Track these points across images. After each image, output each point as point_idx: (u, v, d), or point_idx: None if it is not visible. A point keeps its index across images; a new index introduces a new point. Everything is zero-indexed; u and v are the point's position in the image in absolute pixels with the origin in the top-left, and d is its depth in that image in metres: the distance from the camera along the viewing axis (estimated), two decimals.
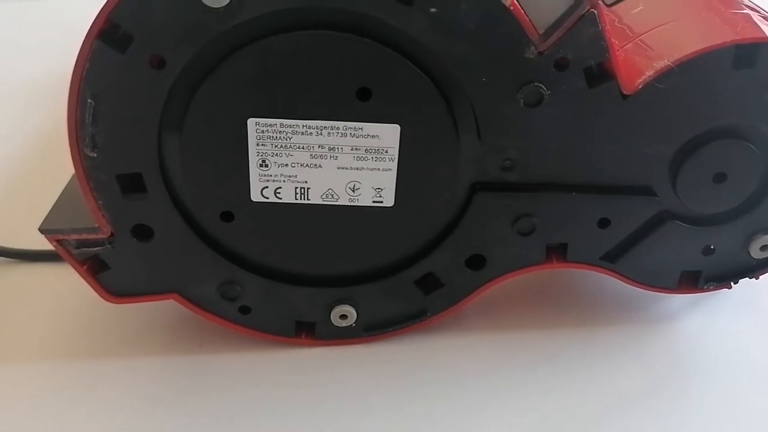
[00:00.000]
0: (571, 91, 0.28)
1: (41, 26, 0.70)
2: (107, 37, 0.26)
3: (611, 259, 0.33)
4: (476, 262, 0.32)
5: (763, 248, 0.32)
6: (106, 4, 0.26)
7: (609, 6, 0.33)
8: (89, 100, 0.27)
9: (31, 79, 0.59)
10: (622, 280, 0.33)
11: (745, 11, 0.31)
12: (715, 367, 0.33)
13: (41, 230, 0.30)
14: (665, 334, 0.35)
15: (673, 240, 0.32)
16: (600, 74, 0.28)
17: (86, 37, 0.26)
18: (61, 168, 0.32)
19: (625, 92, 0.28)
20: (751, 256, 0.33)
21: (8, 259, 0.39)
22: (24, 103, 0.56)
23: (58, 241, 0.30)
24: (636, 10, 0.32)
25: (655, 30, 0.30)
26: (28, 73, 0.60)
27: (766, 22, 0.30)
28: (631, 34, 0.31)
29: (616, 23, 0.32)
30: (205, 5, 0.25)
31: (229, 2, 0.25)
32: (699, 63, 0.28)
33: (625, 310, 0.36)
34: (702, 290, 0.34)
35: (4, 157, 0.49)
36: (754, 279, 0.34)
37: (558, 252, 0.32)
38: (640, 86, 0.28)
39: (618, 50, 0.30)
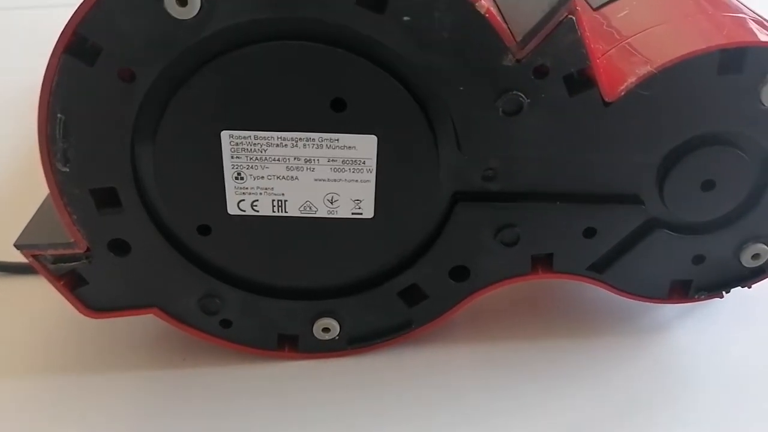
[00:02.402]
0: (551, 99, 0.27)
1: (9, 37, 0.70)
2: (75, 50, 0.25)
3: (598, 269, 0.32)
4: (460, 274, 0.32)
5: (754, 257, 0.32)
6: (73, 16, 0.25)
7: (596, 9, 0.32)
8: (59, 115, 0.26)
9: (14, 89, 0.58)
10: (611, 291, 0.33)
11: (737, 14, 0.30)
12: (706, 378, 0.32)
13: (17, 245, 0.30)
14: (656, 345, 0.34)
15: (661, 249, 0.31)
16: (581, 81, 0.27)
17: (54, 50, 0.26)
18: (43, 180, 0.32)
19: (607, 99, 0.27)
20: (742, 264, 0.32)
21: None
22: (7, 113, 0.55)
23: (35, 257, 0.30)
24: (624, 13, 0.31)
25: (643, 33, 0.29)
26: (12, 82, 0.59)
27: (757, 25, 0.29)
28: (618, 38, 0.30)
29: (604, 26, 0.31)
30: (173, 17, 0.25)
31: (198, 13, 0.25)
32: (682, 69, 0.27)
33: (615, 320, 0.35)
34: (693, 300, 0.33)
35: None
36: (746, 288, 0.33)
37: (543, 262, 0.32)
38: (623, 93, 0.27)
39: (601, 56, 0.29)
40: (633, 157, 0.29)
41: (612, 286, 0.33)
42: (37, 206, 0.33)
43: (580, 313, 0.36)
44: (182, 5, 0.25)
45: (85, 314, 0.31)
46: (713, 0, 0.31)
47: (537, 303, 0.36)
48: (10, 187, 0.47)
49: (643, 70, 0.27)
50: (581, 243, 0.31)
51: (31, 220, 0.31)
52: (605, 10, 0.32)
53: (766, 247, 0.31)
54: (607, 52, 0.29)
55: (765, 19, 0.30)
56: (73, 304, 0.31)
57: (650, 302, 0.33)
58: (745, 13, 0.30)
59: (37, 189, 0.34)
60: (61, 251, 0.30)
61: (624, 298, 0.33)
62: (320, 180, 0.29)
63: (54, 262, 0.30)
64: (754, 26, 0.29)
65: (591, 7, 0.32)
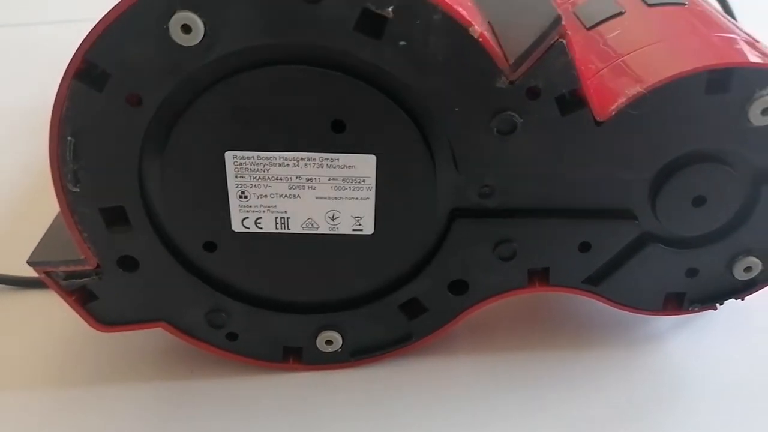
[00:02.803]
0: (544, 119, 0.28)
1: (27, 53, 0.71)
2: (84, 77, 0.26)
3: (594, 283, 0.33)
4: (459, 287, 0.32)
5: (746, 270, 0.32)
6: (82, 43, 0.26)
7: (589, 29, 0.33)
8: (69, 138, 0.27)
9: (27, 105, 0.60)
10: (607, 303, 0.33)
11: (727, 34, 0.30)
12: (701, 389, 0.33)
13: (29, 263, 0.31)
14: (651, 356, 0.34)
15: (655, 262, 0.32)
16: (573, 102, 0.28)
17: (64, 76, 0.27)
18: (53, 194, 0.33)
19: (598, 119, 0.28)
20: (735, 277, 0.33)
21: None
22: (18, 131, 0.57)
23: (47, 273, 0.31)
24: (616, 33, 0.32)
25: (636, 52, 0.30)
26: (23, 98, 0.60)
27: (747, 45, 0.30)
28: (614, 55, 0.31)
29: (600, 44, 0.32)
30: (178, 44, 0.26)
31: (201, 40, 0.26)
32: (671, 89, 0.28)
33: (611, 332, 0.36)
34: (687, 312, 0.34)
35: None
36: (739, 300, 0.34)
37: (540, 276, 0.32)
38: (613, 113, 0.28)
39: (594, 75, 0.30)
40: (625, 174, 0.30)
41: (607, 298, 0.33)
42: (49, 221, 0.34)
43: (576, 325, 0.36)
44: (187, 33, 0.25)
45: (95, 328, 0.32)
46: (705, 19, 0.32)
47: (535, 315, 0.37)
48: (25, 202, 0.48)
49: (633, 90, 0.28)
50: (577, 257, 0.32)
51: (43, 238, 0.32)
52: (600, 29, 0.33)
53: (757, 260, 0.32)
54: (602, 70, 0.30)
55: (755, 39, 0.31)
56: (84, 319, 0.32)
57: (645, 314, 0.34)
58: (736, 33, 0.31)
59: (50, 205, 0.35)
60: (72, 268, 0.31)
61: (619, 311, 0.34)
62: (321, 198, 0.30)
63: (65, 279, 0.31)
64: (743, 46, 0.29)
65: (584, 27, 0.33)
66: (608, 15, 0.33)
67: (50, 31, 0.75)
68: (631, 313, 0.34)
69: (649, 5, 0.33)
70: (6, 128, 0.57)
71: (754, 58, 0.28)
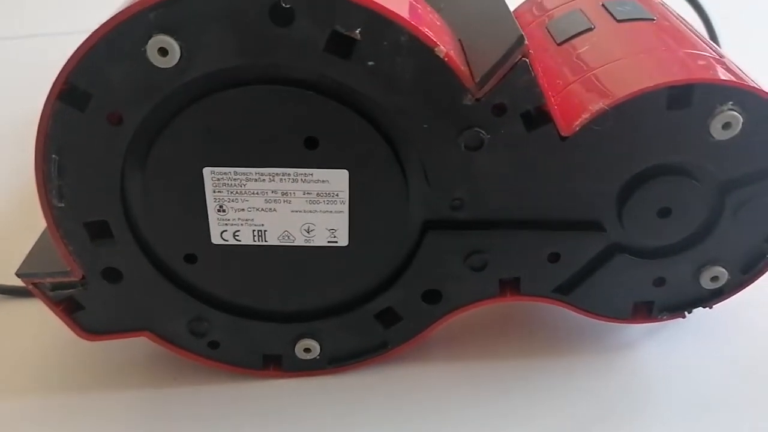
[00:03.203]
0: (510, 135, 0.29)
1: (23, 65, 0.72)
2: (67, 97, 0.27)
3: (564, 292, 0.33)
4: (432, 297, 0.33)
5: (713, 279, 0.33)
6: (64, 66, 0.27)
7: (560, 44, 0.34)
8: (53, 155, 0.29)
9: (18, 117, 0.60)
10: (577, 312, 0.34)
11: (695, 50, 0.31)
12: (672, 395, 0.34)
13: (18, 274, 0.32)
14: (623, 363, 0.35)
15: (623, 272, 0.33)
16: (538, 118, 0.29)
17: (48, 97, 0.28)
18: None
19: (563, 134, 0.29)
20: (702, 286, 0.33)
21: None
22: (10, 141, 0.58)
23: (34, 284, 0.32)
24: (583, 49, 0.33)
25: (604, 67, 0.31)
26: (15, 111, 0.61)
27: (712, 61, 0.30)
28: (582, 71, 0.31)
29: (571, 59, 0.33)
30: (156, 66, 0.27)
31: (178, 62, 0.27)
32: (632, 105, 0.28)
33: (584, 340, 0.36)
34: (656, 320, 0.35)
35: None
36: (708, 308, 0.34)
37: (511, 286, 0.33)
38: (578, 128, 0.29)
39: (563, 89, 0.31)
40: (592, 187, 0.30)
41: (578, 307, 0.34)
42: (38, 232, 0.35)
43: (549, 333, 0.37)
44: (163, 55, 0.27)
45: (81, 337, 0.33)
46: (673, 35, 0.33)
47: (508, 324, 0.38)
48: (17, 212, 0.49)
49: (596, 106, 0.28)
50: (546, 267, 0.32)
51: (31, 250, 0.34)
52: (572, 43, 0.34)
53: (724, 269, 0.33)
54: (571, 84, 0.31)
55: (721, 55, 0.32)
56: (70, 328, 0.33)
57: (615, 323, 0.35)
58: (702, 49, 0.31)
59: (39, 214, 0.35)
60: (58, 279, 0.32)
61: (590, 319, 0.35)
62: (297, 211, 0.31)
63: (52, 289, 0.32)
64: (708, 62, 0.30)
65: (555, 42, 0.34)
66: (579, 30, 0.34)
67: (41, 44, 0.76)
68: (601, 321, 0.35)
69: (619, 21, 0.33)
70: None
71: (715, 73, 0.29)
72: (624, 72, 0.30)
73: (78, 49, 0.27)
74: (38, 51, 0.75)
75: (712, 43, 0.33)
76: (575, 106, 0.29)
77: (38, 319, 0.38)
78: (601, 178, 0.30)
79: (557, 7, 0.37)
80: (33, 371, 0.36)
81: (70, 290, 0.32)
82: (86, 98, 0.28)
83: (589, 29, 0.34)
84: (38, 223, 0.35)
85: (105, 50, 0.27)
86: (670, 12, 0.36)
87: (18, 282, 0.39)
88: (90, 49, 0.27)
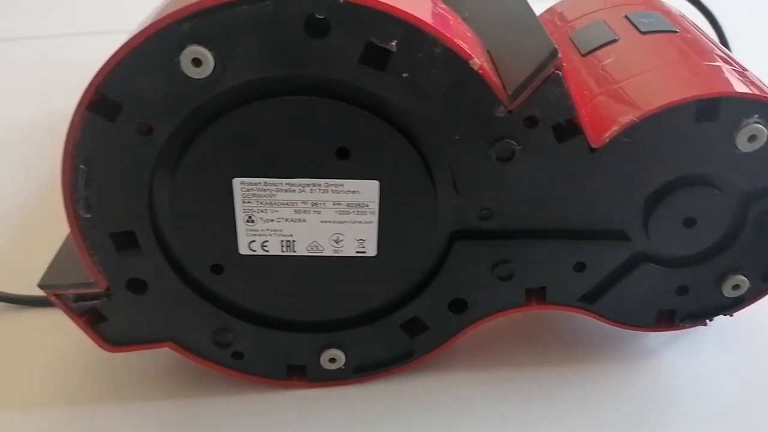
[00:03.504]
0: (541, 146, 0.29)
1: (40, 68, 0.71)
2: (97, 108, 0.27)
3: (589, 301, 0.34)
4: (458, 306, 0.33)
5: (735, 287, 0.33)
6: (95, 76, 0.27)
7: (585, 55, 0.34)
8: (81, 166, 0.28)
9: (32, 121, 0.60)
10: (601, 320, 0.34)
11: (717, 63, 0.32)
12: (693, 402, 0.34)
13: (40, 286, 0.32)
14: (645, 370, 0.36)
15: (647, 281, 0.33)
16: (568, 130, 0.29)
17: (77, 107, 0.27)
18: (61, 214, 0.33)
19: (593, 146, 0.29)
20: (723, 295, 0.34)
21: (5, 304, 0.41)
22: (25, 146, 0.57)
23: (57, 296, 0.32)
24: (610, 60, 0.33)
25: (632, 78, 0.31)
26: (28, 115, 0.61)
27: (735, 74, 0.31)
28: (611, 81, 0.32)
29: (597, 70, 0.33)
30: (189, 76, 0.27)
31: (211, 73, 0.27)
32: (662, 117, 0.29)
33: (606, 348, 0.37)
34: (678, 328, 0.35)
35: (4, 202, 0.50)
36: (728, 316, 0.35)
37: (537, 295, 0.33)
38: (607, 140, 0.29)
39: (590, 101, 0.31)
40: (619, 197, 0.31)
41: (602, 316, 0.34)
42: (54, 240, 0.34)
43: (571, 341, 0.37)
44: (197, 66, 0.26)
45: (104, 348, 0.33)
46: (696, 47, 0.33)
47: (531, 332, 0.38)
48: (29, 221, 0.48)
49: (626, 118, 0.29)
50: (572, 276, 0.33)
51: (53, 260, 0.33)
52: (596, 54, 0.34)
53: (745, 278, 0.33)
54: (597, 96, 0.31)
55: (743, 68, 0.32)
56: (93, 340, 0.33)
57: (638, 330, 0.35)
58: (725, 62, 0.32)
59: (55, 223, 0.35)
60: (82, 290, 0.31)
61: (613, 327, 0.35)
62: (326, 222, 0.30)
63: (75, 301, 0.32)
64: (732, 75, 0.31)
65: (580, 53, 0.35)
66: (603, 42, 0.34)
67: (43, 46, 0.76)
68: (624, 330, 0.35)
69: (643, 32, 0.34)
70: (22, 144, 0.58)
71: (741, 87, 0.29)
72: (652, 84, 0.30)
73: (109, 59, 0.27)
74: (39, 53, 0.75)
75: (732, 55, 0.34)
76: (604, 117, 0.30)
77: (57, 330, 0.38)
78: (628, 189, 0.31)
79: (579, 17, 0.37)
80: (53, 382, 0.36)
81: (94, 302, 0.32)
82: (116, 109, 0.27)
83: (614, 40, 0.34)
84: (51, 232, 0.35)
85: (136, 61, 0.26)
86: (691, 24, 0.36)
87: (30, 292, 0.40)
88: (121, 59, 0.26)
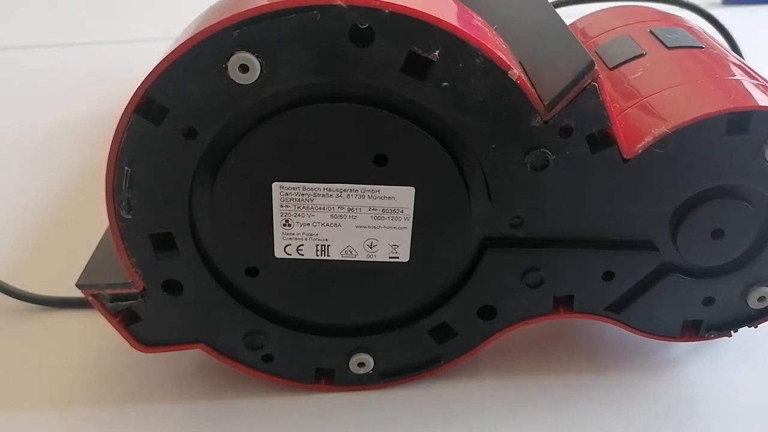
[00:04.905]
0: (574, 156, 0.30)
1: (76, 72, 0.73)
2: (144, 111, 0.28)
3: (616, 310, 0.34)
4: (487, 313, 0.34)
5: (760, 299, 0.34)
6: (143, 81, 0.28)
7: (612, 69, 0.35)
8: (126, 168, 0.29)
9: (57, 125, 0.61)
10: (627, 330, 0.35)
11: (743, 78, 0.32)
12: (715, 412, 0.34)
13: (78, 286, 0.32)
14: (670, 380, 0.36)
15: (674, 291, 0.33)
16: (602, 140, 0.30)
17: (124, 111, 0.28)
18: (88, 217, 0.33)
19: (625, 156, 0.30)
20: (749, 306, 0.34)
21: (35, 305, 0.41)
22: (56, 147, 0.58)
23: (94, 296, 0.32)
24: (636, 75, 0.34)
25: (660, 93, 0.32)
26: (54, 118, 0.62)
27: (755, 87, 0.32)
28: (638, 96, 0.32)
29: (625, 84, 0.34)
30: (235, 82, 0.27)
31: (257, 79, 0.27)
32: (694, 129, 0.29)
33: (632, 356, 0.37)
34: (703, 338, 0.35)
35: (32, 205, 0.51)
36: (753, 327, 0.35)
37: (565, 303, 0.34)
38: (640, 151, 0.30)
39: (620, 114, 0.32)
40: (648, 208, 0.31)
41: (628, 325, 0.35)
42: (82, 240, 0.35)
43: (597, 350, 0.38)
44: (244, 72, 0.27)
45: (137, 349, 0.33)
46: (722, 63, 0.34)
47: (557, 340, 0.38)
48: (56, 222, 0.49)
49: (659, 130, 0.29)
50: (600, 285, 0.33)
51: (89, 261, 0.34)
52: (622, 69, 0.35)
53: None
54: (626, 109, 0.32)
55: (766, 81, 0.33)
56: (126, 340, 0.33)
57: (663, 340, 0.36)
58: (750, 77, 0.33)
59: (82, 224, 0.35)
60: (118, 291, 0.32)
61: (639, 336, 0.35)
62: (361, 227, 0.31)
63: (111, 301, 0.32)
64: (759, 91, 0.31)
65: (607, 67, 0.35)
66: (630, 56, 0.34)
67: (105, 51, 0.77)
68: (650, 339, 0.35)
69: (669, 48, 0.34)
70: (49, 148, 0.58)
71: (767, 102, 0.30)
72: (683, 98, 0.31)
73: (158, 64, 0.27)
74: (56, 61, 0.76)
75: (756, 71, 0.35)
76: (635, 129, 0.30)
77: (81, 331, 0.38)
78: (658, 200, 0.31)
79: (602, 33, 0.38)
80: (78, 384, 0.36)
81: (130, 302, 0.32)
82: (163, 112, 0.28)
83: (641, 55, 0.35)
84: (78, 234, 0.35)
85: (185, 66, 0.27)
86: (714, 40, 0.37)
87: (58, 293, 0.40)
88: (171, 65, 0.27)
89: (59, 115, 0.62)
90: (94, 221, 0.37)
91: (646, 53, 0.35)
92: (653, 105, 0.31)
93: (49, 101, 0.66)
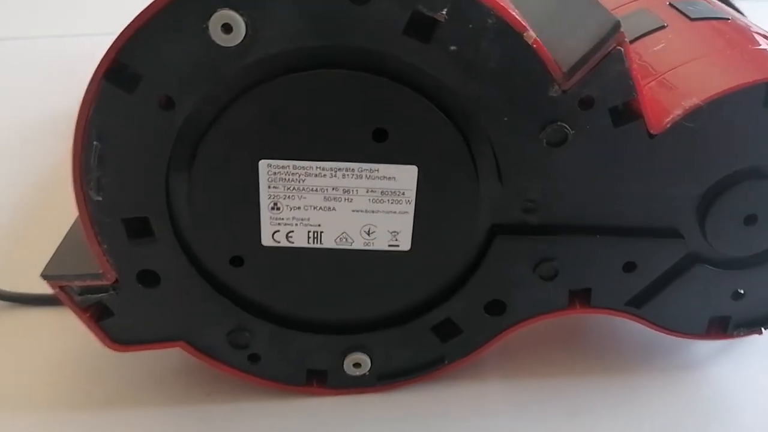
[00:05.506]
0: (596, 131, 0.27)
1: (38, 66, 0.70)
2: (115, 77, 0.25)
3: (637, 305, 0.31)
4: (496, 308, 0.31)
5: None
6: (113, 43, 0.25)
7: (631, 42, 0.32)
8: (95, 142, 0.26)
9: (30, 120, 0.58)
10: (649, 326, 0.32)
11: (762, 46, 0.30)
12: (742, 418, 0.32)
13: (43, 276, 0.29)
14: (692, 382, 0.33)
15: (701, 284, 0.31)
16: (626, 113, 0.27)
17: (93, 77, 0.25)
18: (61, 210, 0.31)
19: (652, 132, 0.27)
20: None
21: (6, 302, 0.38)
22: (24, 144, 0.55)
23: (61, 288, 0.29)
24: (658, 47, 0.31)
25: (679, 68, 0.29)
26: (27, 114, 0.59)
27: None
28: (654, 72, 0.30)
29: (645, 57, 0.31)
30: (217, 44, 0.24)
31: (242, 41, 0.24)
32: (729, 101, 0.27)
33: (651, 357, 0.35)
34: (731, 336, 0.33)
35: (4, 198, 0.48)
36: None
37: (581, 297, 0.31)
38: (668, 125, 0.27)
39: (643, 88, 0.29)
40: (675, 190, 0.29)
41: (650, 321, 0.32)
42: (55, 235, 0.32)
43: (613, 349, 0.35)
44: (227, 32, 0.24)
45: (109, 347, 0.31)
46: (749, 34, 0.31)
47: (568, 338, 0.36)
48: (26, 217, 0.46)
49: (690, 102, 0.27)
50: (620, 277, 0.30)
51: (57, 250, 0.31)
52: (638, 44, 0.32)
53: None
54: (649, 83, 0.29)
55: None
56: (98, 337, 0.30)
57: (688, 338, 0.33)
58: None
59: (54, 219, 0.33)
60: (88, 282, 0.29)
61: (660, 334, 0.33)
62: (358, 211, 0.28)
63: (81, 294, 0.29)
64: None
65: None
66: (651, 28, 0.32)
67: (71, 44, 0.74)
68: (672, 337, 0.33)
69: (692, 19, 0.32)
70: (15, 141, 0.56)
71: None
72: (715, 69, 0.28)
73: (130, 24, 0.24)
74: (31, 52, 0.74)
75: None
76: (662, 103, 0.28)
77: (59, 330, 0.36)
78: (687, 181, 0.29)
79: (618, 7, 0.36)
80: (54, 385, 0.34)
81: (101, 295, 0.30)
82: (136, 79, 0.25)
83: (662, 27, 0.32)
84: (50, 230, 0.33)
85: (160, 26, 0.24)
86: (739, 11, 0.35)
87: (35, 290, 0.37)
88: (144, 24, 0.24)
89: (31, 111, 0.60)
90: (69, 215, 0.35)
91: (667, 25, 0.32)
92: (680, 77, 0.29)
93: (21, 96, 0.64)
